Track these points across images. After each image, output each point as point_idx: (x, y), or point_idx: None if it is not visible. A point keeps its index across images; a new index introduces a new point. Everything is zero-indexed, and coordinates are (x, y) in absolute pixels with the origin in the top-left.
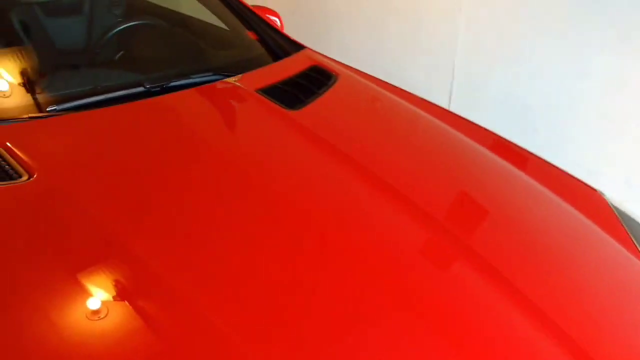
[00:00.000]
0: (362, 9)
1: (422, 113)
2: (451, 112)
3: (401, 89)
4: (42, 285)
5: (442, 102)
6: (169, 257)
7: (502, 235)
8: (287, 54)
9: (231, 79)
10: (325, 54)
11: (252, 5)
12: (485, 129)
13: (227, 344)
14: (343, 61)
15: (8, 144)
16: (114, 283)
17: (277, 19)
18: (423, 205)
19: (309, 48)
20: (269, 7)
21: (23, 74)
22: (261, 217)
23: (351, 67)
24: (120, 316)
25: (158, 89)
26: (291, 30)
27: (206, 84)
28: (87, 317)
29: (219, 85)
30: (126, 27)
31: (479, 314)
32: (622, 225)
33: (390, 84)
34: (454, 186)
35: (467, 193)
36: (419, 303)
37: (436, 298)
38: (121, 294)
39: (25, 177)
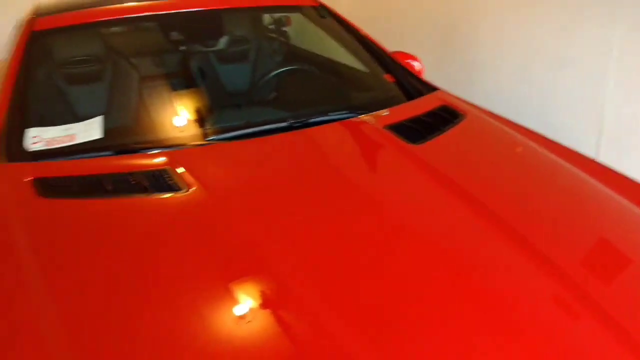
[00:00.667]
0: (506, 57)
1: (546, 152)
2: (577, 152)
3: (529, 130)
4: (196, 283)
5: (590, 146)
6: (306, 273)
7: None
8: (419, 94)
9: (363, 117)
10: (471, 100)
11: (393, 51)
12: (612, 171)
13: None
14: (489, 108)
15: (173, 161)
16: (259, 292)
17: (417, 63)
18: (530, 239)
19: (442, 90)
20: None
21: (192, 109)
22: (386, 239)
23: (484, 109)
24: (262, 323)
25: (299, 124)
26: (437, 78)
27: (341, 121)
28: (234, 320)
29: (351, 121)
30: (280, 71)
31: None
32: None
33: (520, 125)
34: (567, 226)
35: (581, 234)
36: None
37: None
38: (265, 303)
39: (185, 190)
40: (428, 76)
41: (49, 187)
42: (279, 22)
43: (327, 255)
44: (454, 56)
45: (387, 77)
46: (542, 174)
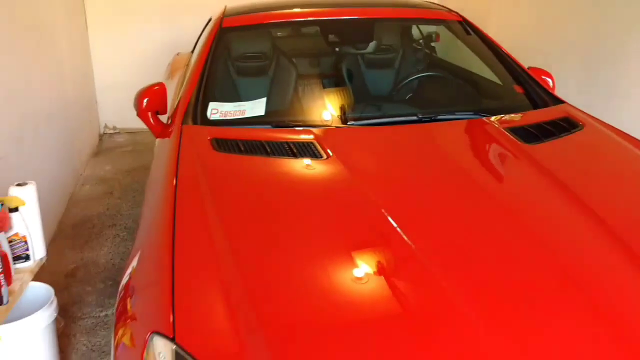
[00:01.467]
0: None
1: None
2: None
3: None
4: (324, 225)
5: None
6: (425, 242)
7: None
8: (546, 106)
9: (487, 118)
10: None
11: (529, 67)
12: None
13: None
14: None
15: (320, 137)
16: (377, 257)
17: (549, 79)
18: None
19: (569, 104)
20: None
21: (338, 99)
22: (491, 217)
23: (607, 124)
24: (375, 286)
25: (428, 119)
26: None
27: (464, 120)
28: (352, 280)
29: (474, 121)
30: (419, 76)
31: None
32: None
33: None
34: None
35: None
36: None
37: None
38: (381, 269)
39: (325, 157)
40: (569, 99)
41: (222, 145)
42: (429, 38)
43: (442, 225)
44: (595, 81)
45: (517, 88)
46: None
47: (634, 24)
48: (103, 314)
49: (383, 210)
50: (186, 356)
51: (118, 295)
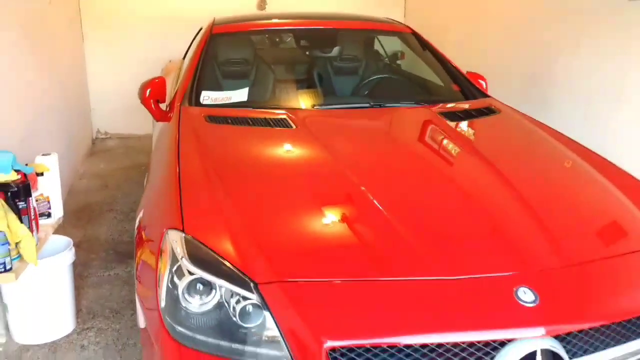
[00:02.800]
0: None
1: (546, 136)
2: (575, 142)
3: (549, 127)
4: (298, 172)
5: None
6: (369, 176)
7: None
8: (475, 99)
9: (424, 106)
10: None
11: (467, 72)
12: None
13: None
14: None
15: (291, 115)
16: (338, 198)
17: (483, 82)
18: (509, 177)
19: (494, 98)
20: None
21: (307, 90)
22: (432, 176)
23: (522, 113)
24: (341, 223)
25: (377, 106)
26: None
27: (408, 107)
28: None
29: (415, 107)
30: (374, 79)
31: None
32: None
33: (544, 124)
34: (538, 173)
35: (545, 179)
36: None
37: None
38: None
39: (294, 127)
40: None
41: (213, 119)
42: (394, 57)
43: (385, 171)
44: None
45: (454, 87)
46: (536, 148)
47: (560, 52)
48: (107, 274)
49: (338, 159)
50: (193, 241)
51: (135, 232)
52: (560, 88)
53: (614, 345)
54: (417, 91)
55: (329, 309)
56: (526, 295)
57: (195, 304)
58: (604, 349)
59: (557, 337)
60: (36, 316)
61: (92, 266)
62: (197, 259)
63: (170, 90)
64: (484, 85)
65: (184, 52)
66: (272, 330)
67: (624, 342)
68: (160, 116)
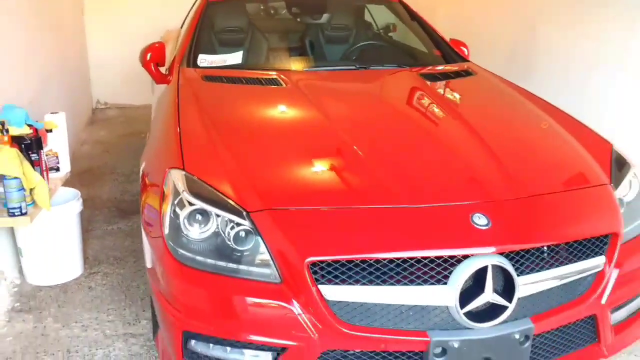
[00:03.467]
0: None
1: (515, 94)
2: (542, 99)
3: (521, 87)
4: (289, 123)
5: None
6: (351, 124)
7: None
8: (455, 63)
9: (407, 68)
10: None
11: (450, 39)
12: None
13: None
14: None
15: (282, 75)
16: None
17: (465, 48)
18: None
19: (473, 62)
20: None
21: (299, 55)
22: (407, 125)
23: (497, 75)
24: (323, 162)
25: (363, 68)
26: None
27: (390, 69)
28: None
29: (397, 69)
30: (361, 45)
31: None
32: (610, 156)
33: (517, 85)
34: (502, 123)
35: (507, 125)
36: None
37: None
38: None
39: (285, 85)
40: None
41: (210, 78)
42: (387, 29)
43: (364, 121)
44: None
45: (436, 52)
46: (504, 103)
47: (538, 22)
48: (110, 227)
49: (323, 112)
50: (192, 177)
51: (140, 180)
52: (541, 56)
53: (557, 267)
54: (401, 56)
55: (309, 232)
56: (480, 220)
57: (195, 232)
58: (548, 269)
59: (506, 256)
60: (47, 260)
61: (96, 221)
62: (196, 192)
63: (169, 55)
64: (466, 52)
65: (182, 22)
66: (262, 251)
67: (565, 264)
68: (160, 78)
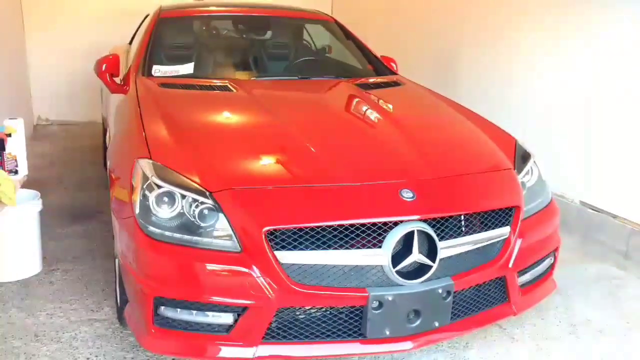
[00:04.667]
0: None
1: (436, 99)
2: (460, 105)
3: (444, 97)
4: (240, 119)
5: None
6: (299, 126)
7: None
8: (385, 76)
9: (344, 79)
10: None
11: (381, 55)
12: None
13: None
14: None
15: (232, 83)
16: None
17: (394, 64)
18: (402, 122)
19: (401, 76)
20: None
21: (245, 67)
22: (343, 121)
23: (424, 87)
24: (274, 150)
25: (305, 78)
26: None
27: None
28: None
29: (334, 80)
30: (301, 60)
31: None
32: (515, 147)
33: (440, 95)
34: (424, 119)
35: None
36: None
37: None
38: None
39: (235, 91)
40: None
41: (167, 85)
42: (323, 50)
43: (305, 117)
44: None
45: (369, 67)
46: (425, 105)
47: (460, 44)
48: (64, 231)
49: (271, 109)
50: (159, 164)
51: (108, 175)
52: (464, 71)
53: (471, 234)
54: (338, 69)
55: (266, 205)
56: (407, 194)
57: (163, 212)
58: (464, 235)
59: (429, 224)
60: (8, 257)
61: (50, 226)
62: (163, 176)
63: (121, 68)
64: (395, 67)
65: (129, 39)
66: (224, 225)
67: (478, 232)
68: (115, 88)
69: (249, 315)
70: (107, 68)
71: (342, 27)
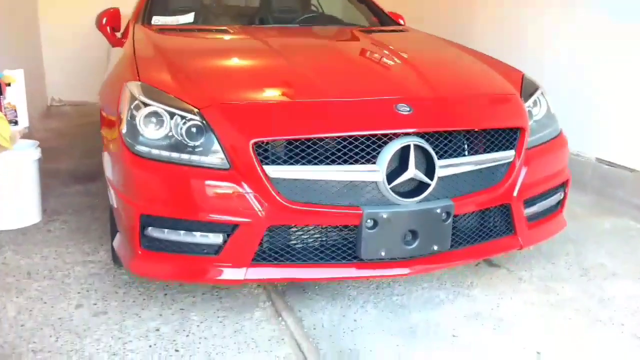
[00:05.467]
0: None
1: (443, 41)
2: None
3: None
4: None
5: None
6: (302, 58)
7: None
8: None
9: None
10: None
11: (389, 12)
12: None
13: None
14: None
15: (231, 28)
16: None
17: (402, 20)
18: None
19: (409, 27)
20: None
21: (249, 16)
22: (341, 52)
23: (428, 33)
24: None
25: (308, 26)
26: None
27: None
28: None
29: (338, 27)
30: (307, 15)
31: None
32: (522, 80)
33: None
34: (426, 53)
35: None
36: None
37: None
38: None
39: (234, 32)
40: None
41: (164, 30)
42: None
43: (302, 49)
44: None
45: (375, 19)
46: (432, 44)
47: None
48: (67, 190)
49: (265, 40)
50: (147, 85)
51: (99, 117)
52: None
53: (473, 154)
54: (343, 22)
55: (253, 119)
56: (403, 108)
57: (150, 132)
58: (465, 155)
59: (427, 141)
60: (6, 204)
61: (53, 186)
62: (151, 96)
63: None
64: (403, 22)
65: None
66: (212, 142)
67: (481, 154)
68: (115, 41)
69: (238, 235)
70: (108, 21)
71: None
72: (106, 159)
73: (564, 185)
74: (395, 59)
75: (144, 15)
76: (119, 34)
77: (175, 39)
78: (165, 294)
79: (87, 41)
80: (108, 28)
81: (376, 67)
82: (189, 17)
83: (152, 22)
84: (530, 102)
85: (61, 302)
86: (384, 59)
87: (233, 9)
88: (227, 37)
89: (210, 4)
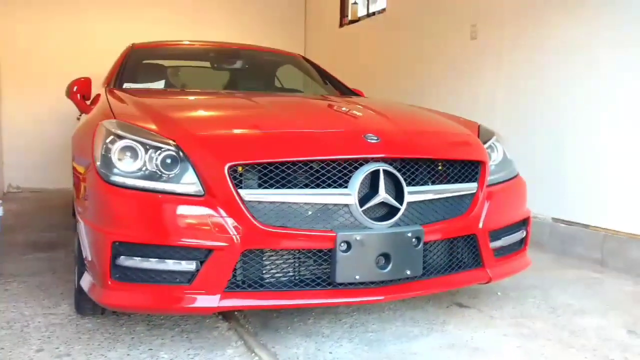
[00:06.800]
0: None
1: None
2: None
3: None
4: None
5: None
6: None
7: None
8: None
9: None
10: None
11: (353, 88)
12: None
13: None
14: None
15: (199, 91)
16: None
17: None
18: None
19: (364, 95)
20: None
21: (218, 84)
22: (307, 107)
23: (382, 99)
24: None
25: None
26: None
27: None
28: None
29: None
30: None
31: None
32: (478, 129)
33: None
34: (392, 106)
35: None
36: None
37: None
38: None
39: (201, 93)
40: None
41: (135, 94)
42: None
43: (276, 103)
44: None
45: (337, 92)
46: (391, 103)
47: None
48: (25, 257)
49: (242, 97)
50: (122, 121)
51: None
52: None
53: (438, 184)
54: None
55: (229, 145)
56: (371, 137)
57: (124, 166)
58: (432, 184)
59: (396, 169)
60: None
61: (12, 253)
62: (126, 130)
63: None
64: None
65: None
66: (187, 170)
67: (445, 183)
68: (85, 107)
69: (212, 261)
70: (79, 89)
71: (309, 61)
72: (78, 193)
73: (525, 223)
74: (362, 108)
75: (115, 81)
76: (88, 102)
77: (149, 95)
78: (132, 337)
79: (47, 129)
80: (78, 95)
81: (344, 113)
82: (159, 85)
83: (123, 87)
84: (486, 146)
85: (20, 347)
86: (352, 110)
87: (199, 80)
88: (200, 96)
89: (181, 75)
